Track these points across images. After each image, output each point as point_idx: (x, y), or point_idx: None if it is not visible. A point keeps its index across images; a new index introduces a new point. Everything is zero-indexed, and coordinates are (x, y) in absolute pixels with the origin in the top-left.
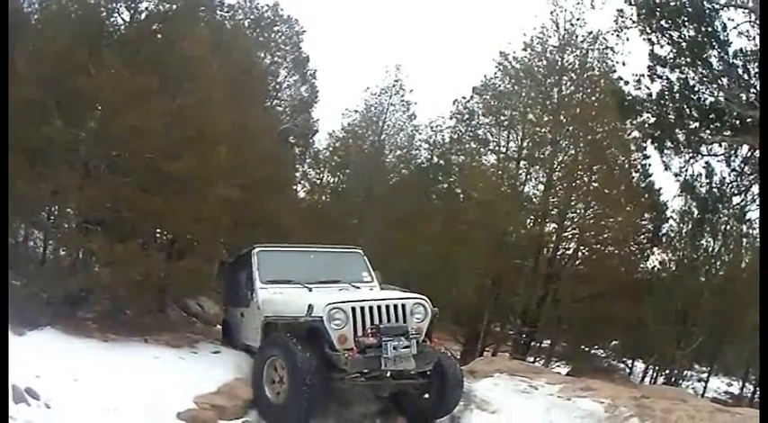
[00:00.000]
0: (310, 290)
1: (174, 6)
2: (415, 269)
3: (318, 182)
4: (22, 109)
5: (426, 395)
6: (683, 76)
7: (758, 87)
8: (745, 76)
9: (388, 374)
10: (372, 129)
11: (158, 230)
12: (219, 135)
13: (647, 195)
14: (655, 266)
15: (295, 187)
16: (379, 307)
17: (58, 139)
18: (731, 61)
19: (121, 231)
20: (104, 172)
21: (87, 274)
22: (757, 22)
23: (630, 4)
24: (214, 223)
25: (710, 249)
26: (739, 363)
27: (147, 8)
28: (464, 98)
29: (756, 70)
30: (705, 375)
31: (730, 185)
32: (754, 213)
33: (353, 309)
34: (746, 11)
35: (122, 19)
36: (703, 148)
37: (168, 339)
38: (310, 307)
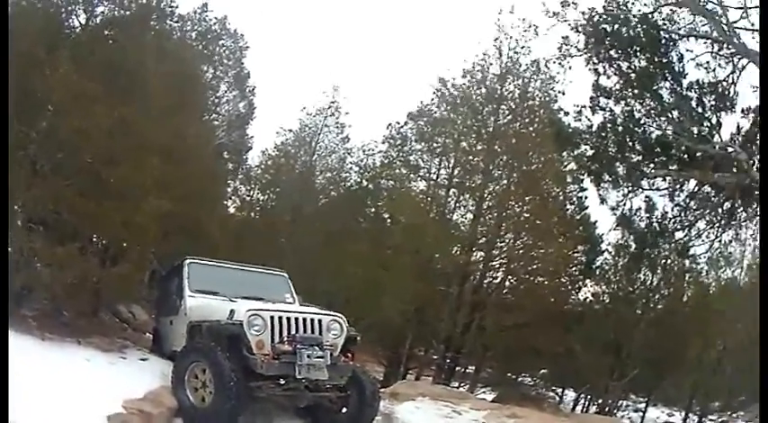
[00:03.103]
0: (234, 301)
1: (128, 13)
2: (339, 290)
3: (248, 198)
4: None
5: (344, 410)
6: (629, 109)
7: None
8: (699, 109)
9: (304, 385)
10: (305, 149)
11: (95, 235)
12: (158, 146)
13: (581, 228)
14: (587, 298)
15: (226, 202)
16: (297, 319)
17: (11, 138)
18: (684, 93)
19: (62, 233)
20: (49, 173)
21: (29, 272)
22: (719, 53)
23: (578, 32)
24: (145, 232)
25: (648, 283)
26: (681, 393)
27: (102, 12)
28: (398, 123)
29: (712, 103)
30: (642, 405)
31: (673, 220)
32: (698, 249)
33: (272, 317)
34: (708, 41)
35: (79, 21)
36: (645, 183)
37: (100, 343)
38: (232, 312)
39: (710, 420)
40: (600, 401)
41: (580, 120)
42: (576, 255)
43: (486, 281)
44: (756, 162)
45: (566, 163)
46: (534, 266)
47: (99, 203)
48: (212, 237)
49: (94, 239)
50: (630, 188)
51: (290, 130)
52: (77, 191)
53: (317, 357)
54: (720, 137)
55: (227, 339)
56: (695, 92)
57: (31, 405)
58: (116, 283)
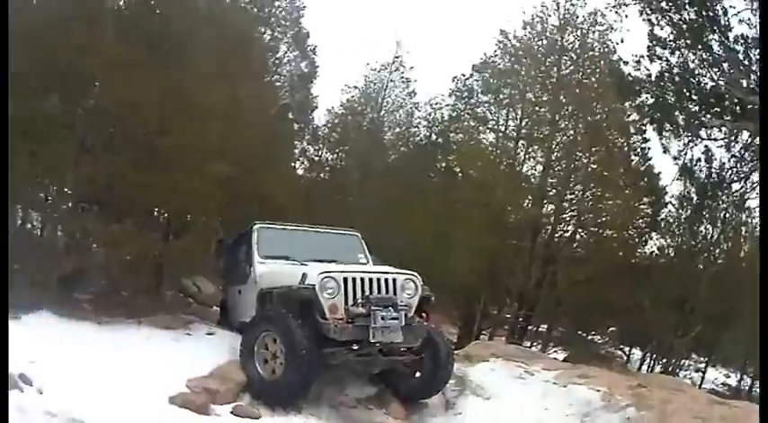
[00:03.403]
0: (306, 264)
1: None
2: (410, 248)
3: (317, 159)
4: (16, 85)
5: (417, 373)
6: (683, 59)
7: (758, 79)
8: (746, 62)
9: (378, 348)
10: (371, 105)
11: (156, 209)
12: (214, 110)
13: (645, 179)
14: (653, 252)
15: (294, 164)
16: (370, 279)
17: (54, 116)
18: (732, 46)
19: (118, 210)
20: (100, 149)
21: (83, 254)
22: (756, 10)
23: None
24: (208, 200)
25: (709, 236)
26: (737, 354)
27: None
28: (463, 76)
29: (757, 57)
30: (703, 366)
31: (730, 172)
32: (753, 201)
33: (345, 279)
34: None
35: None
36: (703, 132)
37: (162, 321)
38: (304, 275)
39: None
40: (664, 361)
41: (639, 69)
42: (642, 206)
43: (557, 234)
44: None
45: (628, 113)
46: (603, 219)
47: (156, 175)
48: (279, 200)
49: (155, 213)
50: (690, 137)
51: (356, 87)
52: (131, 164)
53: (392, 319)
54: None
55: (299, 305)
56: (741, 45)
57: (89, 393)
58: (179, 257)
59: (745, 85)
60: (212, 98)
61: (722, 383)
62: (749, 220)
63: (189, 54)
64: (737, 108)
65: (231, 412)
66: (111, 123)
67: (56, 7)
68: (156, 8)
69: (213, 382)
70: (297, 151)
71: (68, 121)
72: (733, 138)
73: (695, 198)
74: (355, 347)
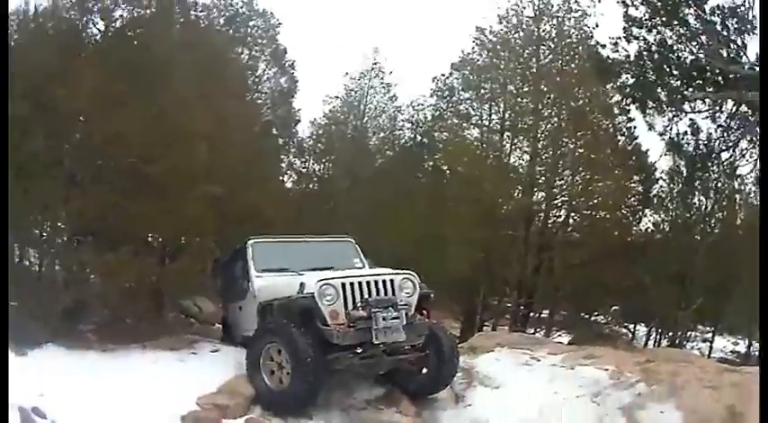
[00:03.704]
0: (303, 274)
1: (148, 11)
2: (406, 249)
3: (304, 170)
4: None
5: (424, 370)
6: (661, 36)
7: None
8: (724, 33)
9: (381, 349)
10: (354, 113)
11: (149, 235)
12: (198, 133)
13: (634, 158)
14: (648, 228)
15: (282, 178)
16: (368, 282)
17: (43, 154)
18: (708, 18)
19: (112, 240)
20: (89, 182)
21: (82, 286)
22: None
23: None
24: (200, 222)
25: (703, 207)
26: (742, 320)
27: (121, 16)
28: (443, 75)
29: (735, 26)
30: (710, 335)
31: (717, 141)
32: (743, 168)
33: (343, 284)
34: None
35: (98, 29)
36: (687, 106)
37: (167, 343)
38: (302, 285)
39: None
40: (670, 334)
41: (617, 51)
42: (632, 185)
43: (550, 221)
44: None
45: (610, 95)
46: (594, 201)
47: (147, 202)
48: (270, 215)
49: (149, 239)
50: (674, 112)
51: (337, 97)
52: (123, 194)
53: (393, 319)
54: (748, 57)
55: (299, 314)
56: (718, 16)
57: (103, 419)
58: (176, 280)
59: (725, 55)
60: (195, 122)
61: (731, 351)
62: (742, 188)
63: (169, 80)
64: (719, 78)
65: None
66: (98, 156)
67: (33, 43)
68: (133, 38)
69: (223, 398)
70: (284, 165)
71: (56, 156)
72: (717, 108)
73: (685, 171)
74: (359, 350)
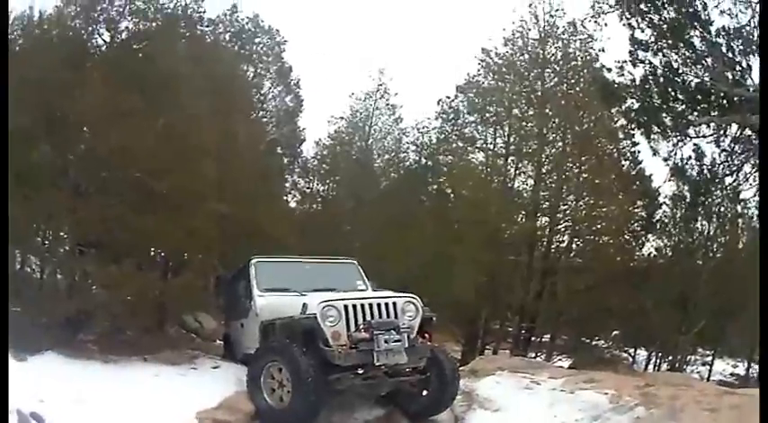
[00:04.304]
0: (305, 295)
1: (154, 25)
2: (411, 271)
3: (308, 191)
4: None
5: (425, 392)
6: (666, 59)
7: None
8: (730, 55)
9: (383, 371)
10: (359, 134)
11: (153, 249)
12: (205, 149)
13: (638, 182)
14: (651, 253)
15: (285, 198)
16: (370, 305)
17: (47, 164)
18: (714, 40)
19: (115, 252)
20: (94, 193)
21: (84, 296)
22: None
23: None
24: (205, 238)
25: (706, 232)
26: (743, 343)
27: (126, 28)
28: (448, 97)
29: (740, 48)
30: (709, 359)
31: (721, 166)
32: (747, 193)
33: (346, 306)
34: None
35: (103, 40)
36: (691, 131)
37: (168, 357)
38: (305, 305)
39: None
40: (670, 358)
41: (623, 74)
42: (636, 210)
43: (553, 246)
44: None
45: (615, 119)
46: (598, 226)
47: (153, 216)
48: (275, 234)
49: (153, 253)
50: (679, 137)
51: (342, 118)
52: (128, 207)
53: (395, 341)
54: (753, 80)
55: (301, 335)
56: (723, 38)
57: None
58: (179, 295)
59: (730, 77)
60: (203, 137)
61: (731, 374)
62: (745, 212)
63: (175, 94)
64: (724, 102)
65: None
66: (104, 168)
67: (38, 50)
68: (139, 51)
69: (223, 414)
70: (288, 185)
71: (61, 166)
72: (722, 132)
73: (689, 196)
74: (360, 371)
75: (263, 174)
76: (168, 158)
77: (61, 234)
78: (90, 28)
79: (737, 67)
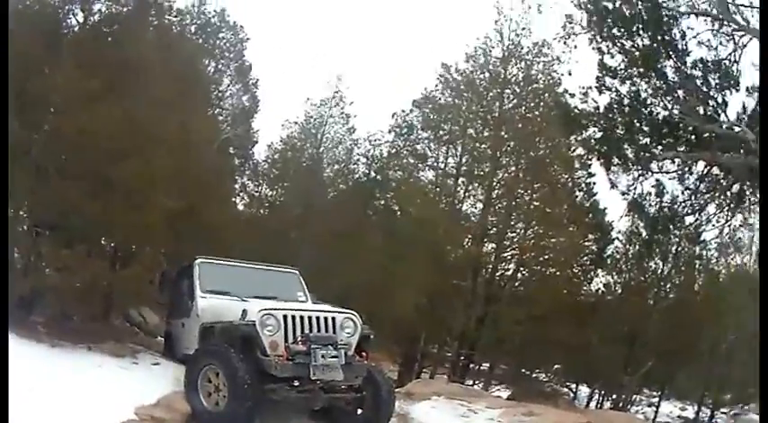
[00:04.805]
0: (246, 300)
1: (126, 9)
2: (352, 286)
3: (257, 194)
4: None
5: (359, 411)
6: (635, 88)
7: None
8: (704, 88)
9: (319, 386)
10: (311, 141)
11: (103, 237)
12: (163, 140)
13: (590, 215)
14: (599, 289)
15: (234, 199)
16: (309, 317)
17: (13, 141)
18: (689, 72)
19: (70, 236)
20: (55, 175)
21: (38, 277)
22: (720, 30)
23: (580, 8)
24: (154, 232)
25: (659, 271)
26: (694, 386)
27: (99, 10)
28: (403, 111)
29: (717, 82)
30: (656, 399)
31: (683, 205)
32: (708, 234)
33: (285, 316)
34: (708, 19)
35: (77, 20)
36: (654, 165)
37: (111, 348)
38: (244, 312)
39: (723, 413)
40: (614, 397)
41: (586, 101)
42: (586, 243)
43: (498, 273)
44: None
45: (573, 148)
46: (545, 257)
47: (106, 205)
48: (222, 235)
49: (104, 242)
50: (640, 171)
51: (296, 123)
52: (84, 192)
53: (332, 357)
54: (727, 116)
55: (240, 340)
56: (699, 70)
57: (41, 415)
58: (126, 287)
59: (702, 112)
60: (163, 128)
61: (678, 416)
62: (704, 253)
63: (141, 82)
64: (692, 137)
65: None
66: (66, 150)
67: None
68: (111, 35)
69: (160, 412)
70: (237, 186)
71: (26, 145)
72: (687, 169)
73: (644, 233)
74: (296, 384)
75: (216, 172)
76: (127, 146)
77: (21, 213)
78: (66, 7)
79: (711, 102)
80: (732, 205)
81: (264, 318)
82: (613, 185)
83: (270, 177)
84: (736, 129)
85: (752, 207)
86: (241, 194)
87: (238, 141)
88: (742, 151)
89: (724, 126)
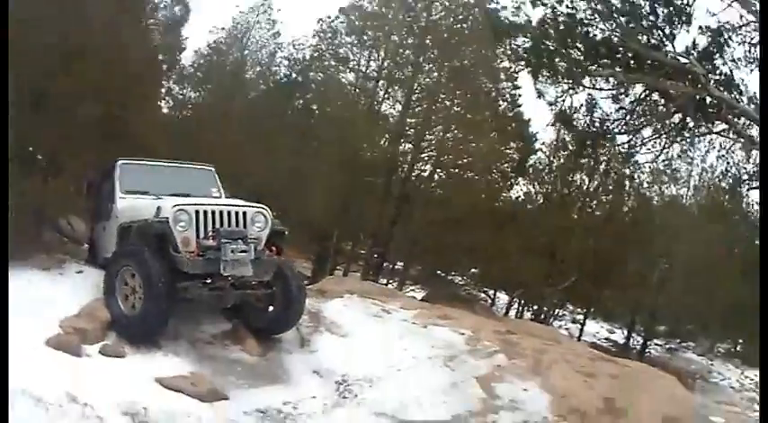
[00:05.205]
0: (162, 198)
1: None
2: (268, 184)
3: (181, 97)
4: None
5: (270, 307)
6: (572, 7)
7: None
8: (652, 18)
9: (230, 282)
10: (237, 46)
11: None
12: (97, 53)
13: (513, 124)
14: (519, 197)
15: (160, 103)
16: (221, 212)
17: None
18: (635, 1)
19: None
20: None
21: None
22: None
23: None
24: (83, 141)
25: (585, 187)
26: (622, 310)
27: None
28: (329, 17)
29: (666, 14)
30: (581, 317)
31: (617, 123)
32: (642, 156)
33: (197, 212)
34: None
35: None
36: (587, 81)
37: (40, 262)
38: (159, 209)
39: (657, 345)
40: (535, 308)
41: (518, 15)
42: (508, 151)
43: (414, 174)
44: (712, 80)
45: (500, 60)
46: (464, 161)
47: (36, 117)
48: (147, 140)
49: (40, 157)
50: (571, 85)
51: (223, 28)
52: (14, 106)
53: (241, 252)
54: (674, 47)
55: (155, 238)
56: (647, 1)
57: None
58: (54, 198)
59: (646, 40)
60: (97, 39)
61: (606, 338)
62: (636, 176)
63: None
64: (631, 61)
65: (100, 352)
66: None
67: None
68: None
69: (82, 322)
70: (163, 91)
71: None
72: (623, 90)
73: (572, 146)
74: (208, 281)
75: (143, 79)
76: (60, 59)
77: None
78: None
79: (658, 32)
80: (672, 133)
81: (178, 213)
82: (540, 95)
83: (194, 81)
84: (683, 60)
85: (694, 140)
86: (166, 99)
87: (167, 48)
88: (688, 83)
89: (669, 56)
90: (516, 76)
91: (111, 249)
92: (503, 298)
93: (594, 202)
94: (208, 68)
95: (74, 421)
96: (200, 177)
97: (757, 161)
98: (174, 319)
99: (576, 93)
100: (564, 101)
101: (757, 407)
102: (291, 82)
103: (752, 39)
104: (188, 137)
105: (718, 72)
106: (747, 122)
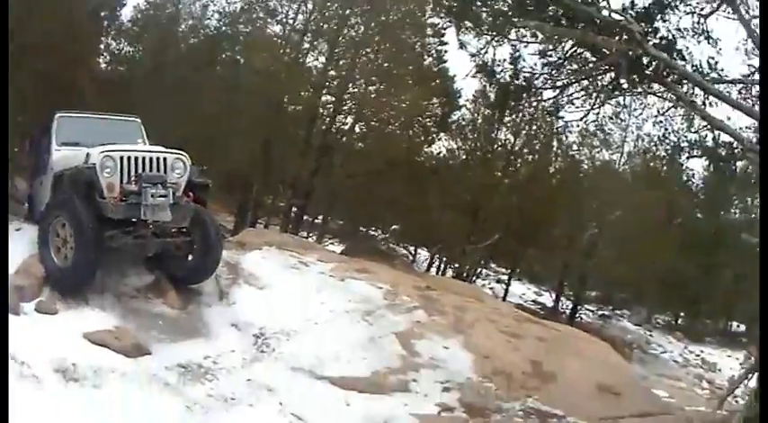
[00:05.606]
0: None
1: None
2: (191, 136)
3: (117, 52)
4: None
5: (190, 257)
6: None
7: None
8: None
9: (151, 231)
10: (172, 1)
11: None
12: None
13: (438, 80)
14: (441, 152)
15: (98, 58)
16: (144, 158)
17: None
18: None
19: None
20: None
21: None
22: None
23: None
24: (24, 98)
25: (510, 146)
26: (550, 273)
27: None
28: None
29: None
30: (505, 277)
31: (543, 78)
32: (570, 115)
33: (122, 158)
34: None
35: None
36: (513, 34)
37: None
38: (88, 155)
39: (589, 310)
40: (456, 266)
41: None
42: (431, 106)
43: (335, 126)
44: (652, 41)
45: (428, 15)
46: (386, 114)
47: None
48: (86, 94)
49: None
50: (494, 36)
51: None
52: None
53: (161, 196)
54: (609, 4)
55: (84, 186)
56: None
57: None
58: None
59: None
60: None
61: (533, 301)
62: (565, 137)
63: None
64: (561, 15)
65: (35, 309)
66: None
67: None
68: None
69: (19, 279)
70: (102, 46)
71: None
72: (551, 46)
73: (493, 98)
74: (131, 229)
75: (85, 34)
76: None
77: None
78: None
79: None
80: (603, 93)
81: (104, 159)
82: (462, 46)
83: (130, 35)
84: (618, 17)
85: (629, 103)
86: (104, 54)
87: (108, 5)
88: (622, 41)
89: (605, 12)
90: (444, 32)
91: (46, 201)
92: (424, 254)
93: (519, 160)
94: (143, 23)
95: (12, 381)
96: (128, 128)
97: (699, 128)
98: (100, 270)
99: (501, 45)
100: (486, 52)
101: (706, 384)
102: (221, 34)
103: (701, 9)
104: (122, 90)
105: (658, 36)
106: (691, 88)
